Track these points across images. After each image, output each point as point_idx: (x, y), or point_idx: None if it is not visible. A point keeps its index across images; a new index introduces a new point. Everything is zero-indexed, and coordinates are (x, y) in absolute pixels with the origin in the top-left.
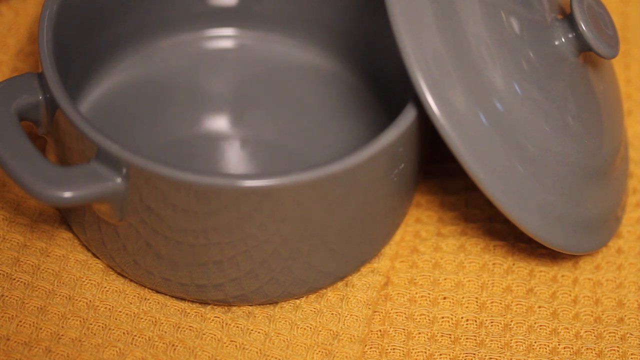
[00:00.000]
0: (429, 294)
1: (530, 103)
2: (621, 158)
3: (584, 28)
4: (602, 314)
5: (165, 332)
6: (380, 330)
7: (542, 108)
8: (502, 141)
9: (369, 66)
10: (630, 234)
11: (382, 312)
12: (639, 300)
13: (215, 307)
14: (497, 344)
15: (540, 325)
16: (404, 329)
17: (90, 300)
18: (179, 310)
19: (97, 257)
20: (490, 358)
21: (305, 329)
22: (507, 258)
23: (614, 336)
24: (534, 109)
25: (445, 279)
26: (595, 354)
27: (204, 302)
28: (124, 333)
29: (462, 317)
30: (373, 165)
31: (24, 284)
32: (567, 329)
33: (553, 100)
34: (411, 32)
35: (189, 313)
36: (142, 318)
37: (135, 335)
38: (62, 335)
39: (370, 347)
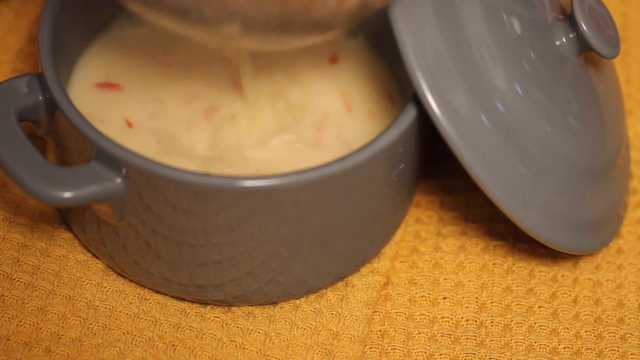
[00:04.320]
0: (429, 294)
1: (532, 103)
2: (622, 158)
3: (584, 28)
4: (602, 314)
5: (165, 332)
6: (380, 330)
7: (544, 108)
8: (503, 141)
9: None
10: (630, 234)
11: (382, 312)
12: (639, 300)
13: (215, 307)
14: (497, 344)
15: (540, 325)
16: (404, 329)
17: (90, 300)
18: (179, 310)
19: (97, 257)
20: (490, 358)
21: (305, 329)
22: (507, 258)
23: (614, 336)
24: (535, 109)
25: (445, 279)
26: (595, 354)
27: (204, 302)
28: (124, 333)
29: (462, 317)
30: (373, 165)
31: (24, 284)
32: (567, 329)
33: (554, 101)
34: (412, 33)
35: (189, 313)
36: (142, 318)
37: (135, 335)
38: (62, 335)
39: (370, 347)
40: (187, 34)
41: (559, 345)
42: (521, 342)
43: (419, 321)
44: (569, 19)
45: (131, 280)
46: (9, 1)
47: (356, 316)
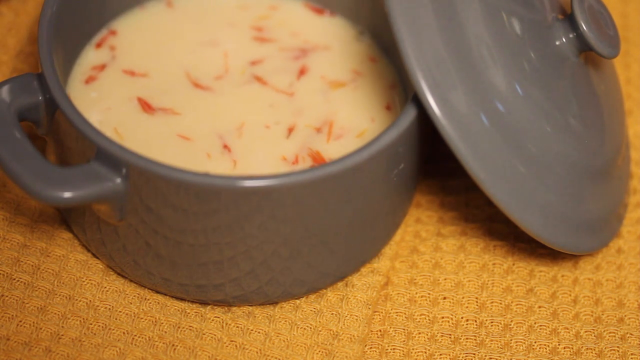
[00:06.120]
0: (429, 294)
1: (532, 103)
2: (622, 158)
3: (584, 28)
4: (602, 314)
5: (165, 332)
6: (380, 330)
7: (543, 108)
8: (503, 141)
9: None
10: (630, 234)
11: (382, 312)
12: (639, 300)
13: (215, 307)
14: (497, 344)
15: (540, 325)
16: (404, 329)
17: (90, 300)
18: (179, 310)
19: (97, 257)
20: (490, 358)
21: (305, 329)
22: (507, 258)
23: (614, 336)
24: (535, 109)
25: (445, 279)
26: (595, 354)
27: (204, 302)
28: (124, 333)
29: (462, 317)
30: (373, 165)
31: (24, 284)
32: (567, 329)
33: (554, 101)
34: (411, 33)
35: (189, 313)
36: (142, 318)
37: (135, 335)
38: (62, 335)
39: (370, 347)
40: None
41: (559, 345)
42: (521, 342)
43: (419, 321)
44: (569, 19)
45: (131, 280)
46: (9, 1)
47: (356, 316)
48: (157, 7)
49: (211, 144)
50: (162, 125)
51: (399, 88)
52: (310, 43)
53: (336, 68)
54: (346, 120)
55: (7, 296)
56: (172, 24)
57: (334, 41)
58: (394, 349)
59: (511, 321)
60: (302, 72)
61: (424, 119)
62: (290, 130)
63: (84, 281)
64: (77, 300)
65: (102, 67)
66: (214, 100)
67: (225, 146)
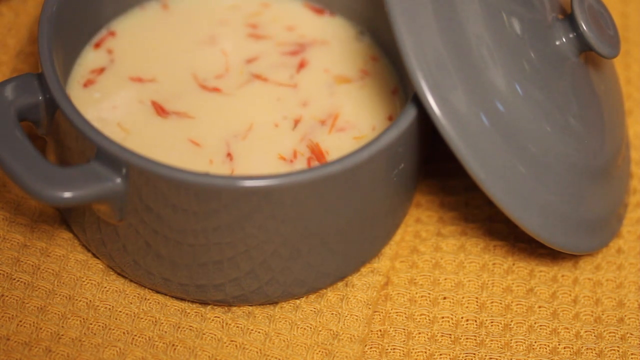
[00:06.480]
0: (429, 294)
1: (532, 103)
2: (622, 158)
3: (584, 28)
4: (602, 314)
5: (165, 332)
6: (380, 330)
7: (543, 108)
8: (503, 141)
9: None
10: (630, 234)
11: (382, 312)
12: (639, 300)
13: (215, 307)
14: (497, 344)
15: (540, 325)
16: (404, 329)
17: (90, 300)
18: (179, 310)
19: (97, 257)
20: (490, 358)
21: (305, 329)
22: (507, 258)
23: (614, 336)
24: (535, 109)
25: (445, 279)
26: (595, 354)
27: (204, 302)
28: (124, 333)
29: (462, 317)
30: (373, 165)
31: (24, 284)
32: (567, 329)
33: (554, 100)
34: (411, 33)
35: (189, 313)
36: (142, 318)
37: (135, 335)
38: (62, 335)
39: (370, 347)
40: None
41: (559, 345)
42: (521, 342)
43: (419, 321)
44: (569, 19)
45: (131, 280)
46: (9, 1)
47: (356, 316)
48: (154, 7)
49: (218, 149)
50: (175, 129)
51: (401, 94)
52: (307, 38)
53: (339, 64)
54: (350, 115)
55: (7, 296)
56: (169, 25)
57: (334, 41)
58: (394, 349)
59: (511, 321)
60: (301, 65)
61: (424, 119)
62: (297, 122)
63: (84, 281)
64: (77, 300)
65: (101, 71)
66: (223, 102)
67: (229, 154)
